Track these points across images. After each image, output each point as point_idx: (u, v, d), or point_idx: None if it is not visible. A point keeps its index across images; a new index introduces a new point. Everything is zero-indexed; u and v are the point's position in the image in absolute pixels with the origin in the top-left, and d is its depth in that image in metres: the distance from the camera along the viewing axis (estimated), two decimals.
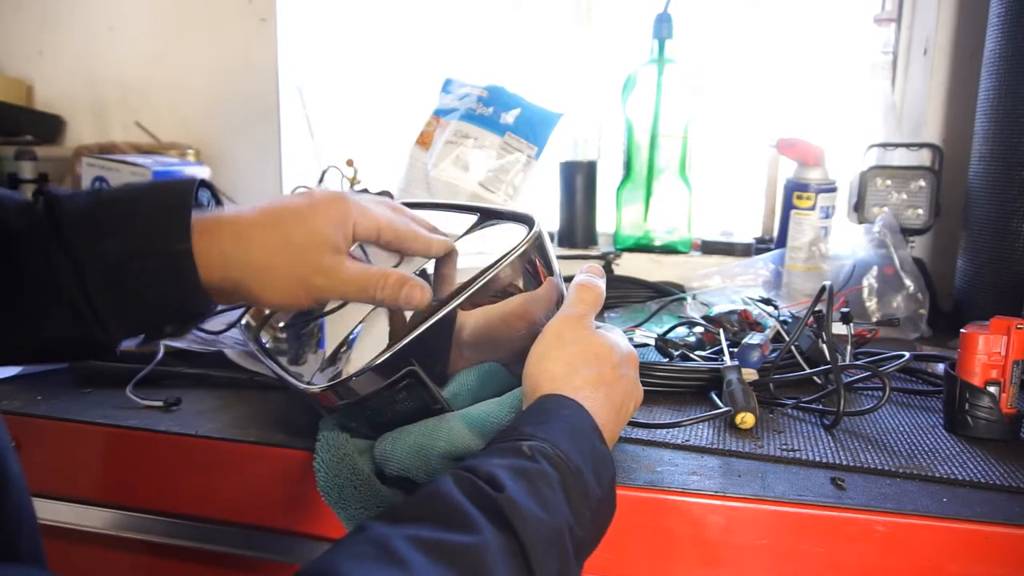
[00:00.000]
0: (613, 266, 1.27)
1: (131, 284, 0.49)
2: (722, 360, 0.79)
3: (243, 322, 0.70)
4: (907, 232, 1.12)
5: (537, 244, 0.58)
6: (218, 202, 0.56)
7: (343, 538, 0.38)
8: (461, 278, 0.59)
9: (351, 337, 0.74)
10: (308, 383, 0.59)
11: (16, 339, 0.50)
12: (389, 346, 0.53)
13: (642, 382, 0.59)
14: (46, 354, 0.53)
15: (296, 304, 0.54)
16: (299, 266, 0.52)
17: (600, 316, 0.59)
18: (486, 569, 0.37)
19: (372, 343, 0.71)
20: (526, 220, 0.64)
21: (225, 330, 0.86)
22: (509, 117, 1.11)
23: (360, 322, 0.73)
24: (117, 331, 0.50)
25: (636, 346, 0.88)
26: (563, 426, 0.48)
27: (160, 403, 0.70)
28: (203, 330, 0.86)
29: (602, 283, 0.59)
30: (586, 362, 0.53)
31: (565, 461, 0.45)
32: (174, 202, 0.50)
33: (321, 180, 1.12)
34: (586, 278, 0.59)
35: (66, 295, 0.48)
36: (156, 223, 0.49)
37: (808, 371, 0.76)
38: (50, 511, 0.69)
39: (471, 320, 0.58)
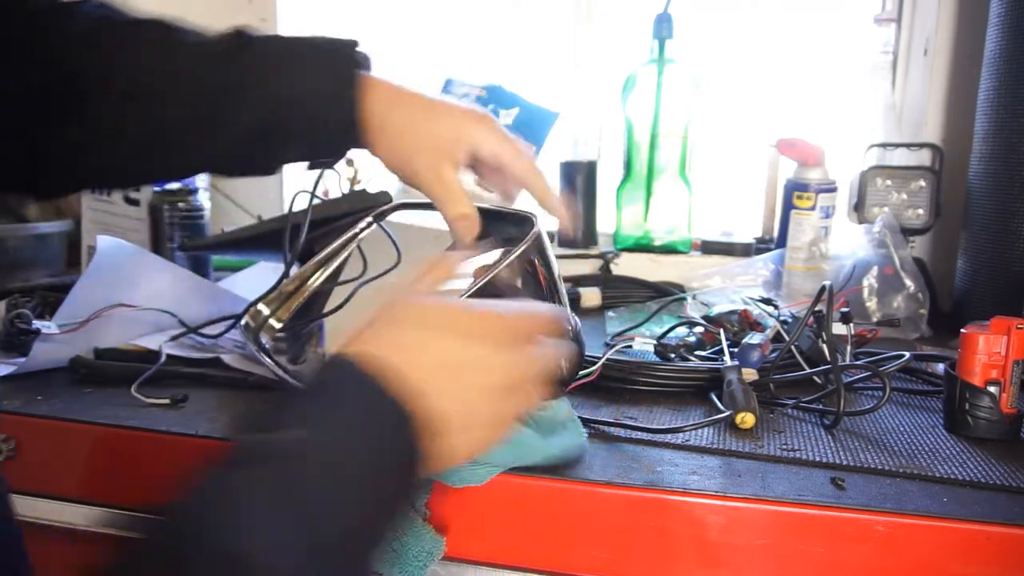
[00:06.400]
0: (612, 266, 1.27)
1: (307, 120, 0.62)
2: (722, 360, 0.79)
3: (242, 323, 0.70)
4: (907, 232, 1.12)
5: (537, 244, 0.58)
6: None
7: None
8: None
9: None
10: None
11: (189, 155, 0.63)
12: None
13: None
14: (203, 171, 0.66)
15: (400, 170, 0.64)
16: (411, 152, 0.62)
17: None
18: None
19: None
20: (526, 219, 0.64)
21: (224, 332, 0.87)
22: (507, 116, 1.11)
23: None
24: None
25: (636, 351, 0.88)
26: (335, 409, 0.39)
27: (167, 400, 0.70)
28: (201, 334, 0.86)
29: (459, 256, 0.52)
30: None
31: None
32: (342, 57, 0.63)
33: (319, 180, 1.12)
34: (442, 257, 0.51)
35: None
36: (330, 73, 0.62)
37: (808, 371, 0.76)
38: (49, 511, 0.69)
39: None
